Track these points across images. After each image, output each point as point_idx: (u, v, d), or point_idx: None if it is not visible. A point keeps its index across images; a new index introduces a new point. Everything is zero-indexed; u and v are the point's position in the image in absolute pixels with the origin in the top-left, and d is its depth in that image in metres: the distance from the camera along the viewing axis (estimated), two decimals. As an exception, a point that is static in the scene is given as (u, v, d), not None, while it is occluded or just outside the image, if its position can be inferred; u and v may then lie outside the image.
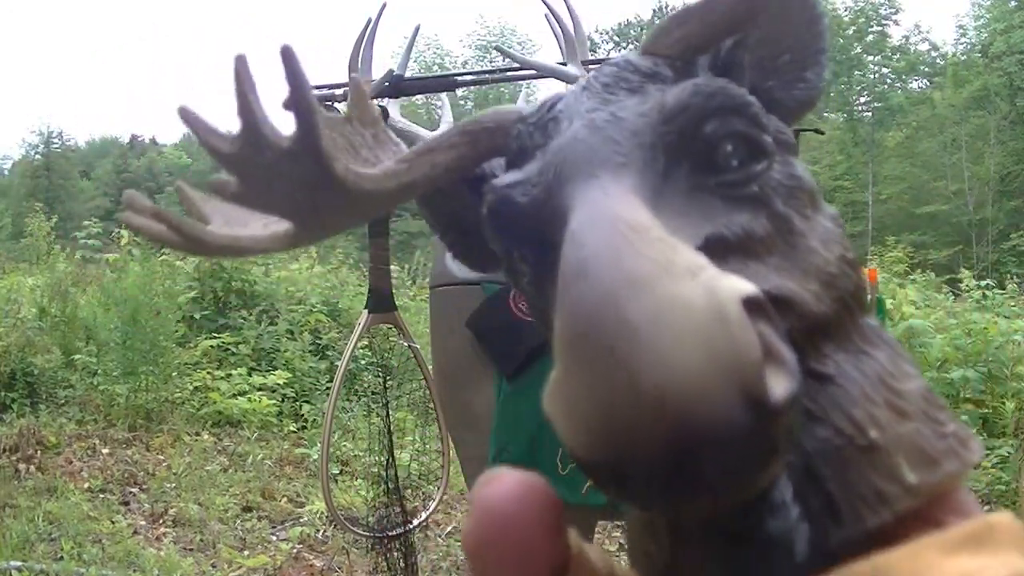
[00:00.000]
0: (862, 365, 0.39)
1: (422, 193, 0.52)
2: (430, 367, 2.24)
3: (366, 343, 2.51)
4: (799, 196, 0.42)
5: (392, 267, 2.59)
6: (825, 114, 30.93)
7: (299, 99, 0.43)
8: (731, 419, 0.30)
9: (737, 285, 0.33)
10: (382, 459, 2.45)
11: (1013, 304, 5.67)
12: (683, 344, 0.31)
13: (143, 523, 3.85)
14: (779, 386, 0.32)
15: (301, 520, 3.93)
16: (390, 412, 2.48)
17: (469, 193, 0.56)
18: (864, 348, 0.40)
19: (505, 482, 0.35)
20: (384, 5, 2.25)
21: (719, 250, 0.39)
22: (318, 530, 3.80)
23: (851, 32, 30.51)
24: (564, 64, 2.14)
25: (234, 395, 5.44)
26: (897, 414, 0.38)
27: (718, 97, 0.43)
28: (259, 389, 5.56)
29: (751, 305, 0.33)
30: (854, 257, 0.41)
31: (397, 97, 2.26)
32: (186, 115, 0.46)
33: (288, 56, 0.41)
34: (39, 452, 4.46)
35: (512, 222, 0.45)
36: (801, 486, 0.37)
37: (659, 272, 0.33)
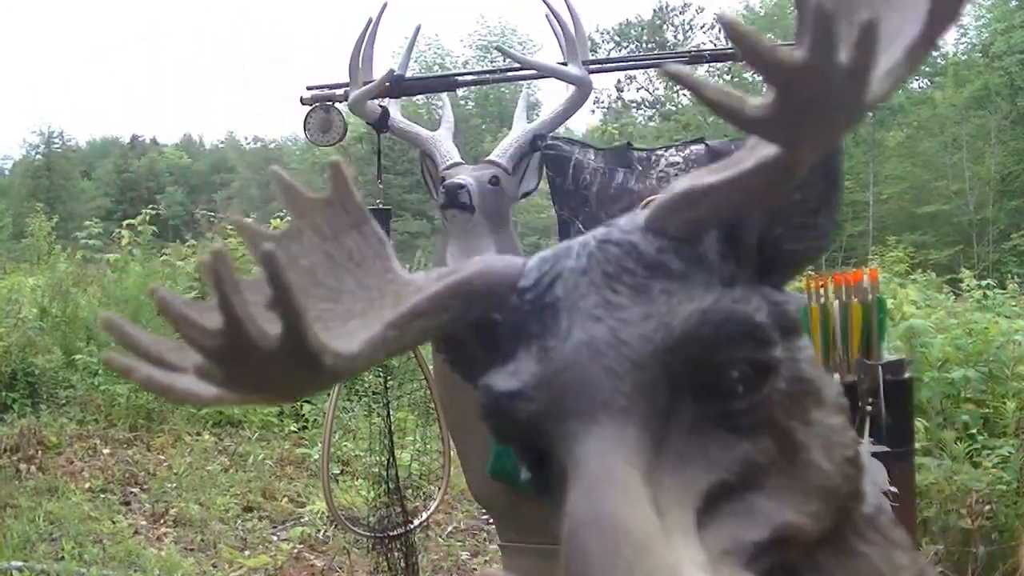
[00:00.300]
0: (854, 570, 0.39)
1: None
2: (431, 367, 2.24)
3: (367, 343, 2.50)
4: (803, 401, 0.41)
5: (393, 267, 2.58)
6: (826, 114, 30.80)
7: (285, 305, 0.42)
8: None
9: None
10: (383, 459, 2.45)
11: (1014, 304, 5.67)
12: None
13: (144, 523, 3.85)
14: None
15: (302, 520, 3.93)
16: (391, 412, 2.48)
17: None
18: (857, 548, 0.40)
19: None
20: (385, 5, 2.25)
21: (721, 495, 0.39)
22: (319, 530, 3.80)
23: (852, 32, 30.48)
24: (564, 64, 2.14)
25: (235, 395, 5.44)
26: None
27: (727, 326, 0.41)
28: (260, 389, 5.55)
29: None
30: (855, 454, 0.40)
31: (398, 97, 2.26)
32: (164, 305, 0.44)
33: (270, 260, 0.40)
34: (40, 452, 4.46)
35: (507, 430, 0.45)
36: None
37: None
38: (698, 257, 0.45)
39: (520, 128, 2.17)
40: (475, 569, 3.51)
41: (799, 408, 0.41)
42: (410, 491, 2.50)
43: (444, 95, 2.57)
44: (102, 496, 4.10)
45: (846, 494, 0.39)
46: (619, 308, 0.43)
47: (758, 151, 0.41)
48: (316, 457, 4.45)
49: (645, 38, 33.12)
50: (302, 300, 0.42)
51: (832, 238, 0.49)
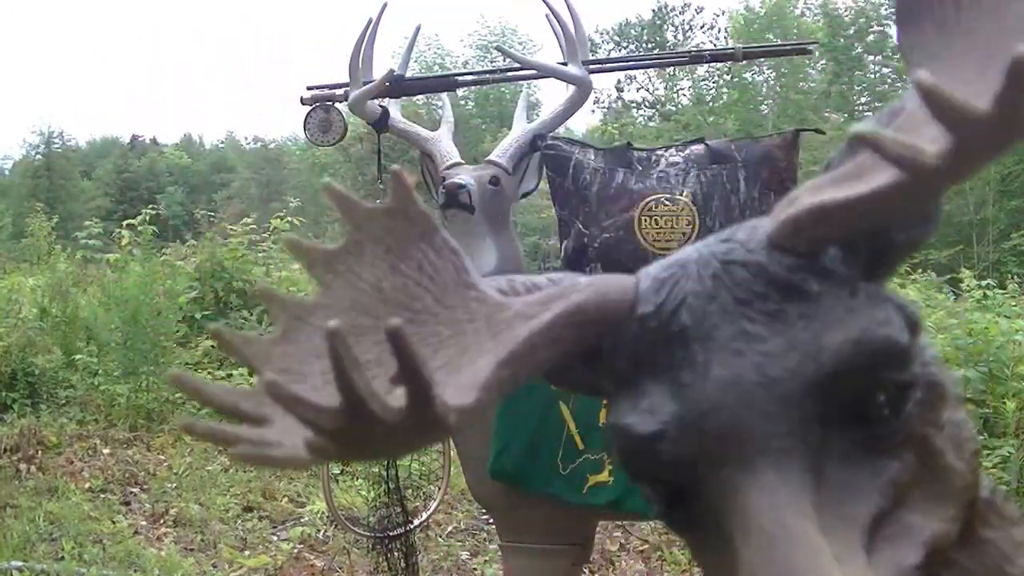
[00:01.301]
0: (983, 557, 0.40)
1: None
2: (431, 367, 2.24)
3: (367, 343, 2.50)
4: (935, 405, 0.40)
5: (393, 267, 2.58)
6: (826, 114, 30.91)
7: (415, 382, 0.40)
8: None
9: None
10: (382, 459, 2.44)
11: (1014, 304, 5.67)
12: None
13: (144, 523, 3.85)
14: None
15: (302, 520, 3.93)
16: (391, 412, 2.47)
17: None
18: (984, 536, 0.40)
19: None
20: (385, 5, 2.25)
21: (880, 524, 0.39)
22: (319, 530, 3.80)
23: (852, 32, 30.50)
24: (564, 64, 2.14)
25: (235, 395, 5.44)
26: None
27: (879, 356, 0.40)
28: (260, 389, 5.55)
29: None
30: (978, 445, 0.40)
31: (398, 97, 2.27)
32: (275, 389, 0.42)
33: (398, 337, 0.39)
34: (40, 452, 4.46)
35: (646, 471, 0.42)
36: None
37: None
38: (826, 272, 0.43)
39: (520, 128, 2.17)
40: (475, 569, 3.51)
41: (933, 413, 0.40)
42: (410, 491, 2.50)
43: (444, 95, 2.57)
44: (102, 496, 4.10)
45: (974, 486, 0.39)
46: (759, 340, 0.41)
47: (884, 166, 0.40)
48: (316, 457, 4.45)
49: (645, 38, 33.11)
50: (431, 373, 0.41)
51: (939, 220, 0.47)
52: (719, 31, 32.43)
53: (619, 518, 2.22)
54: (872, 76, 32.43)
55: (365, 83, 2.15)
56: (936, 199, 0.45)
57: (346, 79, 2.17)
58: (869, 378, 0.40)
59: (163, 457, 4.65)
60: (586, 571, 2.26)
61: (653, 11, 33.20)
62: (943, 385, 0.40)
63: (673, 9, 33.14)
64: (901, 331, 0.40)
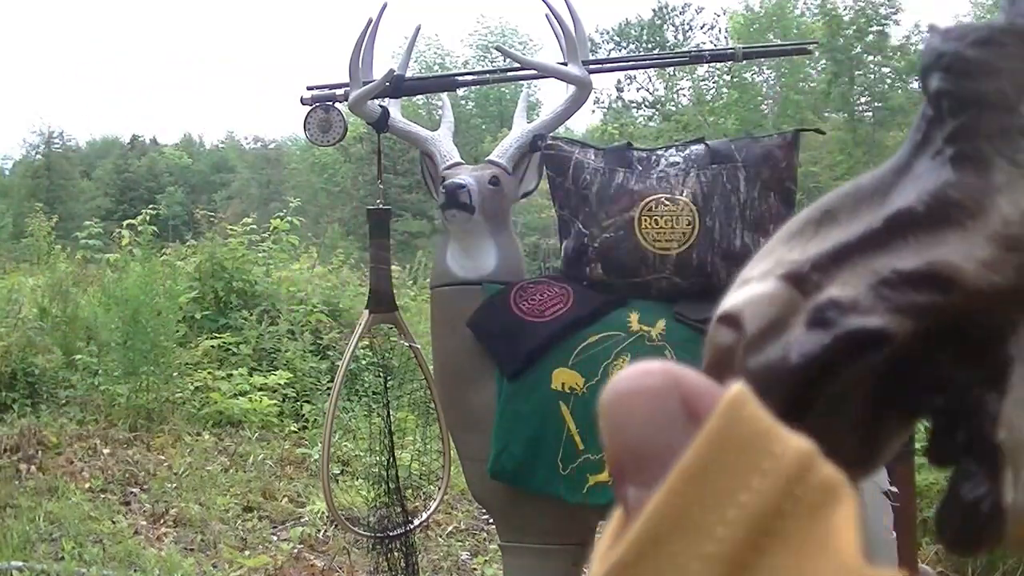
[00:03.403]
0: None
1: None
2: (431, 367, 2.24)
3: (367, 343, 2.51)
4: (1015, 139, 0.38)
5: (393, 267, 2.59)
6: (826, 114, 30.93)
7: None
8: None
9: (723, 303, 0.37)
10: (383, 459, 2.45)
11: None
12: None
13: (144, 523, 3.85)
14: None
15: (302, 520, 3.93)
16: (391, 412, 2.48)
17: None
18: None
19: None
20: (384, 5, 2.26)
21: (900, 225, 0.38)
22: (319, 530, 3.80)
23: (851, 32, 30.50)
24: (564, 64, 2.14)
25: (235, 395, 5.45)
26: None
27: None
28: (260, 389, 5.56)
29: (723, 319, 0.37)
30: None
31: (398, 97, 2.26)
32: None
33: None
34: (40, 452, 4.47)
35: None
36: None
37: None
38: None
39: (520, 128, 2.17)
40: (475, 569, 3.51)
41: (1011, 146, 0.38)
42: (410, 491, 2.50)
43: (444, 95, 2.57)
44: (102, 496, 4.10)
45: None
46: None
47: None
48: (316, 457, 4.45)
49: (645, 38, 33.11)
50: None
51: None
52: (719, 31, 32.42)
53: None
54: (872, 76, 32.41)
55: (365, 83, 2.15)
56: None
57: (346, 79, 2.17)
58: (930, 84, 0.41)
59: (163, 457, 4.65)
60: (586, 571, 2.25)
61: (653, 11, 33.20)
62: None
63: (673, 9, 33.15)
64: (967, 46, 0.40)
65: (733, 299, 0.39)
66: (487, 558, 3.56)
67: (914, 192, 0.39)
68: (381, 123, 2.20)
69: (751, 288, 0.40)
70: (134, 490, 4.22)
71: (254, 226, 7.35)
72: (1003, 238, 0.36)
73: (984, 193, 0.37)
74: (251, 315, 6.33)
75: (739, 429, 0.28)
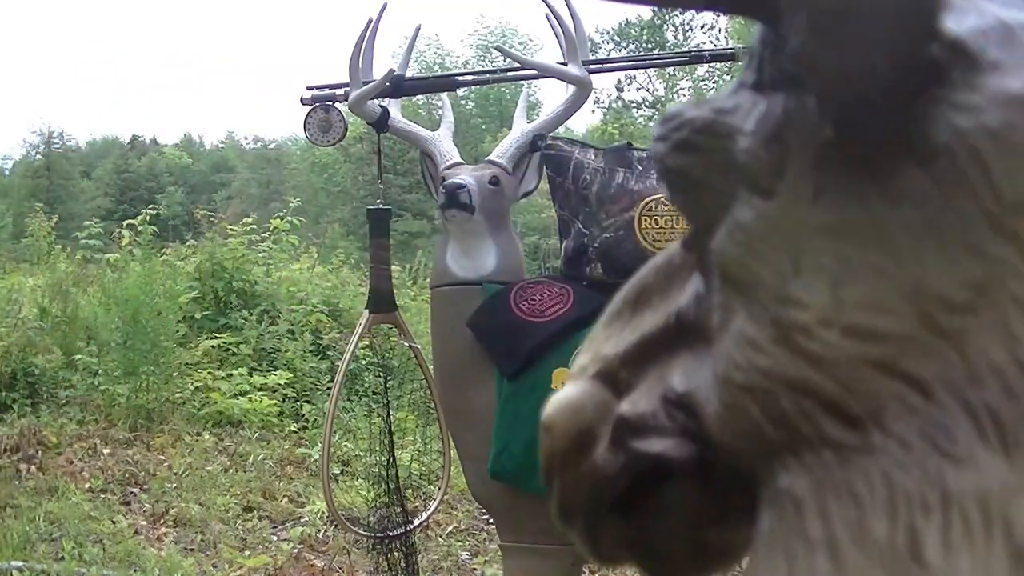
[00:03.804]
0: None
1: None
2: (431, 367, 2.25)
3: (367, 343, 2.51)
4: (715, 272, 0.37)
5: (393, 267, 2.59)
6: (826, 114, 30.89)
7: None
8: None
9: (546, 407, 0.40)
10: (383, 459, 2.45)
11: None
12: None
13: (144, 523, 3.85)
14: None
15: (302, 520, 3.93)
16: (391, 412, 2.48)
17: None
18: None
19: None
20: (384, 5, 2.26)
21: (683, 328, 0.39)
22: (319, 530, 3.80)
23: (852, 32, 30.52)
24: (564, 64, 2.14)
25: (235, 395, 5.44)
26: None
27: None
28: (260, 389, 5.56)
29: (542, 427, 0.41)
30: (752, 381, 0.33)
31: (398, 97, 2.26)
32: None
33: None
34: (40, 452, 4.46)
35: None
36: None
37: None
38: None
39: (520, 128, 2.17)
40: (475, 569, 3.51)
41: (716, 281, 0.37)
42: (410, 491, 2.50)
43: (444, 95, 2.57)
44: (102, 496, 4.10)
45: (746, 423, 0.35)
46: None
47: None
48: (316, 457, 4.45)
49: (645, 38, 33.11)
50: None
51: None
52: (719, 31, 32.41)
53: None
54: (872, 76, 32.41)
55: (365, 83, 2.15)
56: None
57: (346, 79, 2.17)
58: None
59: (163, 457, 4.65)
60: (586, 571, 2.26)
61: (653, 11, 33.18)
62: (728, 261, 0.36)
63: (673, 9, 33.15)
64: (667, 152, 0.38)
65: (552, 405, 0.39)
66: (487, 558, 3.56)
67: (688, 293, 0.37)
68: (381, 123, 2.20)
69: (567, 391, 0.40)
70: (134, 490, 4.22)
71: (254, 226, 7.35)
72: (722, 395, 0.34)
73: (713, 327, 0.35)
74: (251, 315, 6.33)
75: None
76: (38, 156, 38.02)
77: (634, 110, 32.32)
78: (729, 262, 0.33)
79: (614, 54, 25.40)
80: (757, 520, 0.33)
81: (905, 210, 0.29)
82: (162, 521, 3.85)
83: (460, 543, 3.78)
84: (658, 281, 0.40)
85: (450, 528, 3.91)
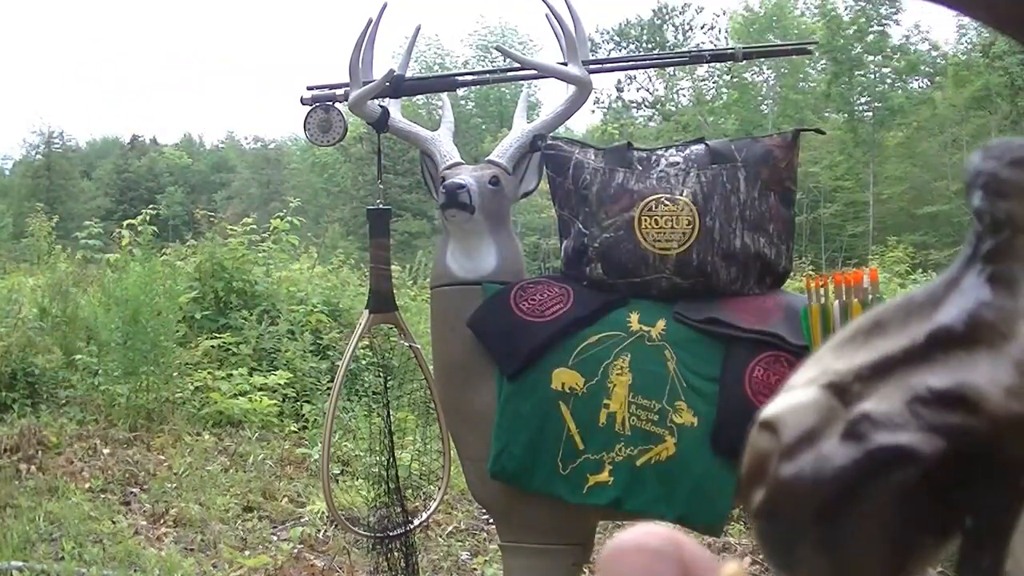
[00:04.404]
0: None
1: None
2: (431, 367, 2.25)
3: (367, 343, 2.51)
4: None
5: (393, 267, 2.59)
6: (826, 114, 30.94)
7: None
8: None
9: (766, 409, 0.39)
10: (383, 459, 2.45)
11: (1014, 304, 5.67)
12: None
13: (144, 523, 3.85)
14: (757, 495, 0.38)
15: (302, 520, 3.93)
16: (391, 412, 2.48)
17: None
18: None
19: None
20: (384, 5, 2.26)
21: (940, 343, 0.39)
22: (319, 530, 3.80)
23: (851, 32, 30.50)
24: (564, 64, 2.14)
25: (235, 395, 5.44)
26: None
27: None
28: (260, 389, 5.56)
29: (763, 425, 0.38)
30: None
31: (398, 97, 2.27)
32: None
33: None
34: (40, 452, 4.46)
35: None
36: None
37: None
38: None
39: (520, 128, 2.17)
40: (475, 569, 3.51)
41: None
42: (410, 491, 2.50)
43: (444, 95, 2.57)
44: (102, 496, 4.10)
45: None
46: None
47: None
48: (316, 457, 4.45)
49: (645, 38, 33.12)
50: None
51: None
52: (719, 31, 32.44)
53: (619, 518, 2.22)
54: (872, 76, 32.39)
55: (365, 83, 2.15)
56: None
57: (346, 79, 2.17)
58: (970, 202, 0.41)
59: (163, 457, 4.65)
60: (586, 571, 2.25)
61: (653, 11, 33.20)
62: None
63: (673, 9, 33.14)
64: (1003, 165, 0.41)
65: (775, 406, 0.40)
66: (487, 558, 3.56)
67: (956, 308, 0.40)
68: (381, 123, 2.20)
69: (793, 396, 0.40)
70: (134, 490, 4.22)
71: (254, 226, 7.35)
72: None
73: (1014, 317, 0.38)
74: (251, 315, 6.33)
75: None
76: (38, 156, 38.02)
77: (634, 110, 32.31)
78: None
79: (614, 54, 25.38)
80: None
81: None
82: (162, 521, 3.85)
83: (460, 543, 3.78)
84: (896, 315, 0.42)
85: (450, 528, 3.91)
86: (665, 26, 33.06)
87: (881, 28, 31.37)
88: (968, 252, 0.41)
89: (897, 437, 0.37)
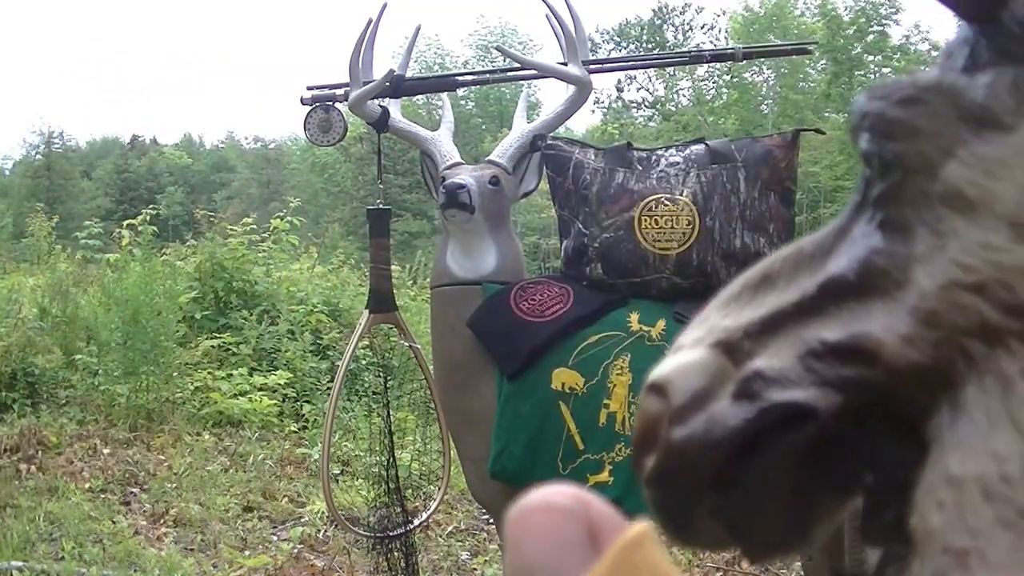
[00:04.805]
0: (959, 415, 0.34)
1: None
2: (431, 367, 2.25)
3: (367, 343, 2.51)
4: (936, 207, 0.37)
5: (393, 267, 2.59)
6: (826, 114, 30.94)
7: None
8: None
9: (654, 371, 0.37)
10: (383, 459, 2.45)
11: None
12: None
13: (144, 523, 3.85)
14: (648, 460, 0.38)
15: (302, 520, 3.93)
16: (391, 412, 2.48)
17: None
18: (964, 398, 0.34)
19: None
20: (384, 5, 2.26)
21: (832, 293, 0.37)
22: (319, 530, 3.80)
23: (851, 32, 30.51)
24: (564, 64, 2.14)
25: (235, 395, 5.45)
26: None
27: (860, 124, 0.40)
28: (260, 389, 5.56)
29: (651, 388, 0.37)
30: (982, 281, 0.35)
31: (398, 97, 2.27)
32: None
33: None
34: (40, 452, 4.46)
35: None
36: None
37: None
38: None
39: (520, 128, 2.17)
40: (475, 569, 3.51)
41: (931, 214, 0.37)
42: (410, 491, 2.50)
43: (444, 95, 2.57)
44: (102, 496, 4.10)
45: (954, 327, 0.35)
46: None
47: None
48: (316, 457, 4.45)
49: (645, 38, 33.13)
50: None
51: None
52: (719, 31, 32.45)
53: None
54: (872, 76, 32.42)
55: (365, 83, 2.15)
56: None
57: (346, 79, 2.17)
58: (857, 145, 0.40)
59: (163, 457, 4.65)
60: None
61: (653, 11, 33.21)
62: (964, 192, 0.36)
63: (673, 9, 33.15)
64: (891, 105, 0.39)
65: (662, 367, 0.38)
66: (487, 558, 3.56)
67: (846, 258, 0.38)
68: (381, 123, 2.20)
69: (681, 356, 0.39)
70: (134, 490, 4.22)
71: (254, 226, 7.35)
72: (921, 312, 0.35)
73: (907, 262, 0.36)
74: (251, 315, 6.33)
75: (636, 569, 0.27)
76: (38, 156, 38.02)
77: (634, 110, 32.31)
78: (964, 186, 0.36)
79: (614, 54, 25.38)
80: (933, 435, 0.34)
81: None
82: (162, 521, 3.86)
83: (460, 543, 3.78)
84: (785, 268, 0.41)
85: (450, 528, 3.91)
86: (665, 26, 33.06)
87: (881, 28, 31.37)
88: (857, 199, 0.40)
89: (791, 394, 0.36)
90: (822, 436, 0.36)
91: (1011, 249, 0.34)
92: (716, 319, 0.40)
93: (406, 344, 2.38)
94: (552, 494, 0.29)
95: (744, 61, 2.44)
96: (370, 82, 2.15)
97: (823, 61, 30.14)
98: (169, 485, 4.22)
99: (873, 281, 0.37)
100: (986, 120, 0.36)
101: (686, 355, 0.39)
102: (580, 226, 1.97)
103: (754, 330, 0.38)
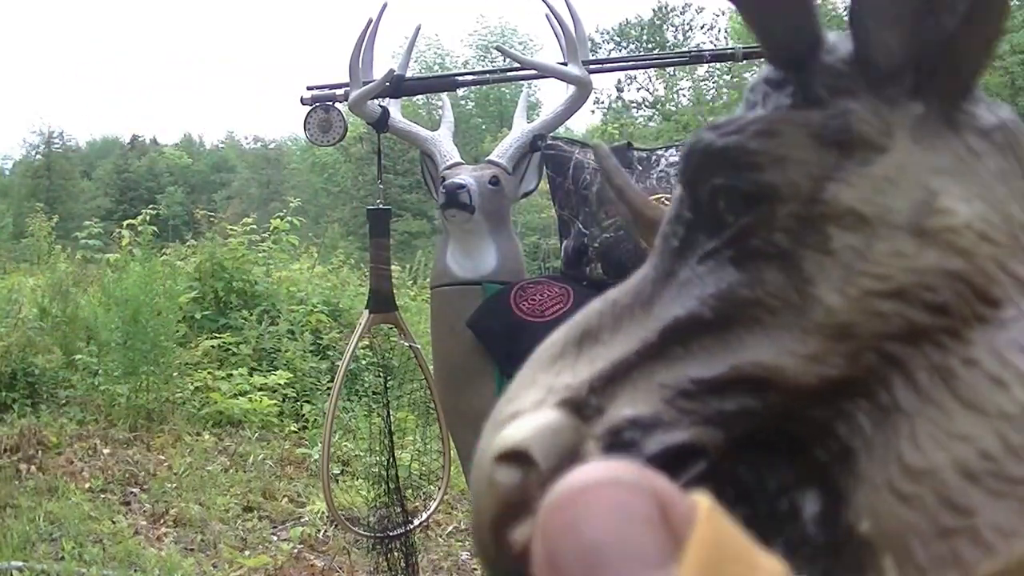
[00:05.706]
0: (896, 429, 0.34)
1: None
2: (431, 367, 2.25)
3: (367, 343, 2.51)
4: (820, 226, 0.37)
5: (393, 267, 2.59)
6: (826, 114, 30.91)
7: None
8: (496, 562, 0.35)
9: (501, 440, 0.35)
10: (383, 459, 2.45)
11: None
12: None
13: (144, 523, 3.85)
14: (521, 532, 0.34)
15: (302, 520, 3.93)
16: (391, 412, 2.48)
17: None
18: (904, 405, 0.34)
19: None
20: (385, 5, 2.26)
21: (692, 331, 0.37)
22: (319, 530, 3.80)
23: (852, 32, 30.49)
24: (564, 64, 2.14)
25: (235, 395, 5.45)
26: (900, 499, 0.33)
27: (707, 160, 0.39)
28: (260, 389, 5.56)
29: (506, 457, 0.35)
30: (897, 288, 0.35)
31: (398, 97, 2.27)
32: None
33: None
34: (40, 452, 4.46)
35: None
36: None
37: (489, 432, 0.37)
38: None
39: (520, 128, 2.17)
40: (475, 569, 3.51)
41: (816, 235, 0.37)
42: (410, 491, 2.50)
43: (444, 95, 2.57)
44: (102, 496, 4.10)
45: (873, 334, 0.35)
46: None
47: None
48: (316, 457, 4.45)
49: (645, 38, 33.12)
50: None
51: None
52: (719, 31, 32.43)
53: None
54: (872, 76, 32.40)
55: (365, 83, 2.15)
56: None
57: (346, 79, 2.17)
58: (706, 183, 0.40)
59: (163, 457, 4.65)
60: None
61: (653, 11, 33.18)
62: (848, 207, 0.36)
63: (673, 9, 33.14)
64: (748, 138, 0.38)
65: (510, 435, 0.36)
66: (487, 558, 3.56)
67: (690, 299, 0.38)
68: (381, 123, 2.20)
69: (529, 420, 0.37)
70: (134, 490, 4.22)
71: (254, 226, 7.36)
72: (830, 328, 0.35)
73: (792, 287, 0.36)
74: (251, 315, 6.33)
75: (727, 542, 0.25)
76: (38, 156, 38.01)
77: (634, 110, 32.33)
78: (856, 205, 0.37)
79: (614, 54, 25.37)
80: (854, 472, 0.35)
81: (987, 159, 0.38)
82: (162, 521, 3.86)
83: (460, 543, 3.78)
84: (605, 322, 0.40)
85: (450, 528, 3.91)
86: (665, 26, 33.05)
87: (881, 28, 31.35)
88: (675, 244, 0.40)
89: (673, 436, 0.35)
90: (720, 469, 0.35)
91: (920, 253, 0.35)
92: (549, 379, 0.39)
93: (406, 344, 2.37)
94: (616, 467, 0.26)
95: (744, 61, 2.43)
96: (370, 82, 2.15)
97: (823, 61, 30.13)
98: (169, 485, 4.22)
99: (740, 313, 0.37)
100: (854, 144, 0.38)
101: (535, 418, 0.37)
102: (580, 226, 1.97)
103: (598, 384, 0.37)
